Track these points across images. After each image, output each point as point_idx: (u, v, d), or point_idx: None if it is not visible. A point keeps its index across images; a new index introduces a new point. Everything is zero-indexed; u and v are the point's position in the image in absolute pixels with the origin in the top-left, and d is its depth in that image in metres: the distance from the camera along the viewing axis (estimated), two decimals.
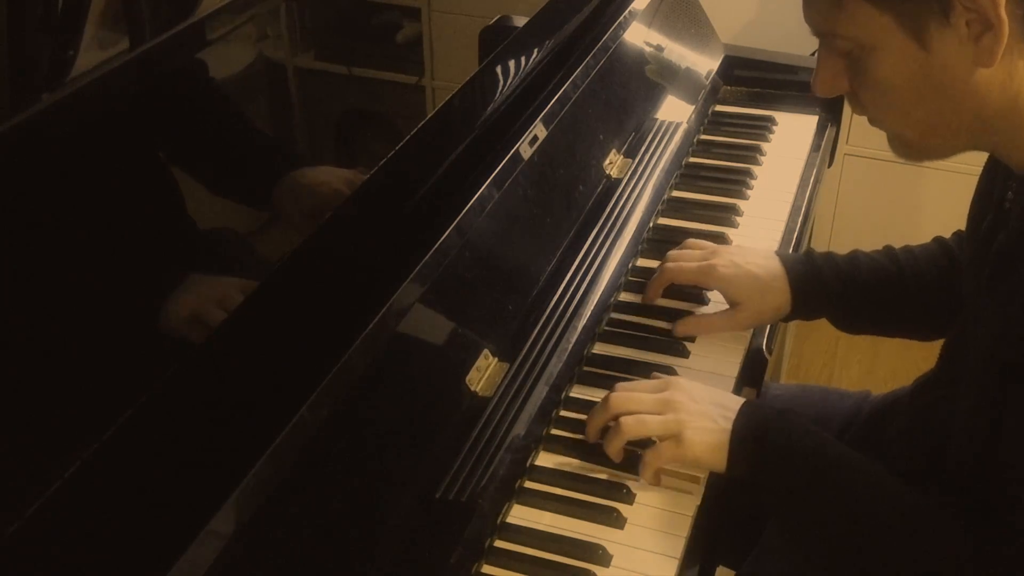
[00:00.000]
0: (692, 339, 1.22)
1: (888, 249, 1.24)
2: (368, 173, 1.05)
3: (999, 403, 0.88)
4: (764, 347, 1.24)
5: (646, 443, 1.04)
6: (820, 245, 2.59)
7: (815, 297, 1.21)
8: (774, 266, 1.21)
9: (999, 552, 0.88)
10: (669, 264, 1.24)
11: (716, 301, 1.27)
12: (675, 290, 1.29)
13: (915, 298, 1.19)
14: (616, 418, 1.03)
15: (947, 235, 1.25)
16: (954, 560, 0.90)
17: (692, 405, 1.03)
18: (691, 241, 1.29)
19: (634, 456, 1.04)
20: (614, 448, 1.03)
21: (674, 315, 1.26)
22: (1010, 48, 0.84)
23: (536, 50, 1.37)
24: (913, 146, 0.95)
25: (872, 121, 0.95)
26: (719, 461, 1.01)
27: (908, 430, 1.16)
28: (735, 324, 1.22)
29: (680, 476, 1.04)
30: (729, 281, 1.20)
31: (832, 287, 1.20)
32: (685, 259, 1.24)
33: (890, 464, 0.99)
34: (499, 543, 0.98)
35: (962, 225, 1.25)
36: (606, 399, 1.05)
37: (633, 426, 1.02)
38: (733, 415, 1.02)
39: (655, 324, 1.24)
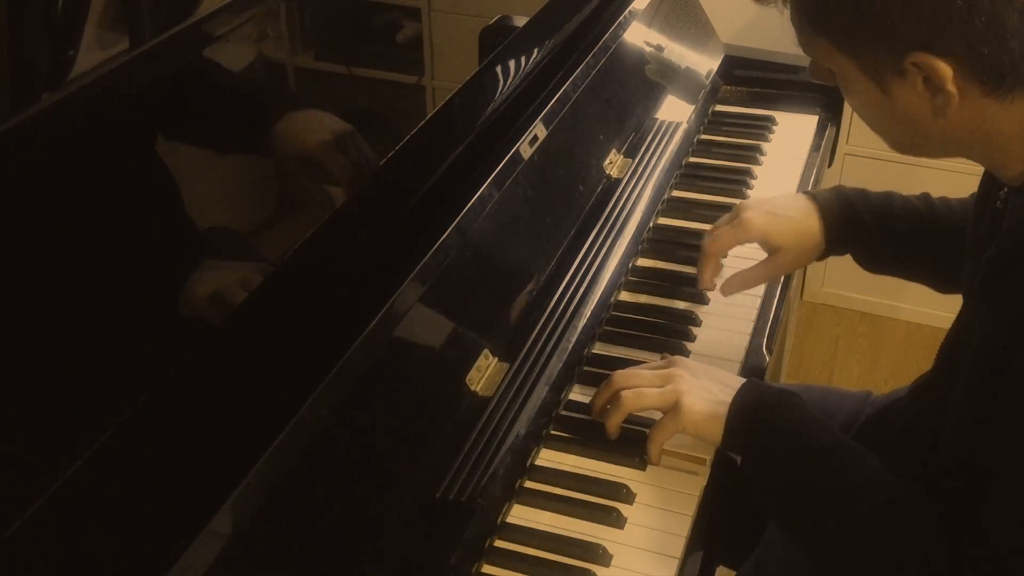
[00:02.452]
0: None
1: (925, 195, 1.25)
2: (368, 173, 1.05)
3: (987, 407, 0.89)
4: (764, 347, 1.24)
5: (649, 424, 1.05)
6: None
7: (845, 229, 1.21)
8: (804, 204, 1.22)
9: (974, 563, 0.87)
10: (707, 242, 1.23)
11: (716, 300, 1.28)
12: (675, 290, 1.29)
13: (944, 245, 1.18)
14: (618, 394, 1.05)
15: None
16: (930, 565, 0.90)
17: (691, 379, 1.05)
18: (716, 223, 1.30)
19: (635, 450, 1.05)
20: (614, 423, 1.06)
21: (674, 315, 1.26)
22: (975, 100, 0.85)
23: (536, 50, 1.37)
24: (896, 148, 0.97)
25: None
26: (715, 432, 1.02)
27: (905, 432, 1.16)
28: (777, 270, 1.24)
29: (685, 457, 1.05)
30: (767, 229, 1.21)
31: (862, 218, 1.21)
32: (717, 229, 1.24)
33: (889, 466, 0.99)
34: (499, 543, 0.98)
35: None
36: (610, 376, 1.08)
37: (632, 399, 1.04)
38: (733, 391, 1.03)
39: (655, 323, 1.25)
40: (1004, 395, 0.86)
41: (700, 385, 1.04)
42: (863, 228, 1.21)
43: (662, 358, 1.13)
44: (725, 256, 1.25)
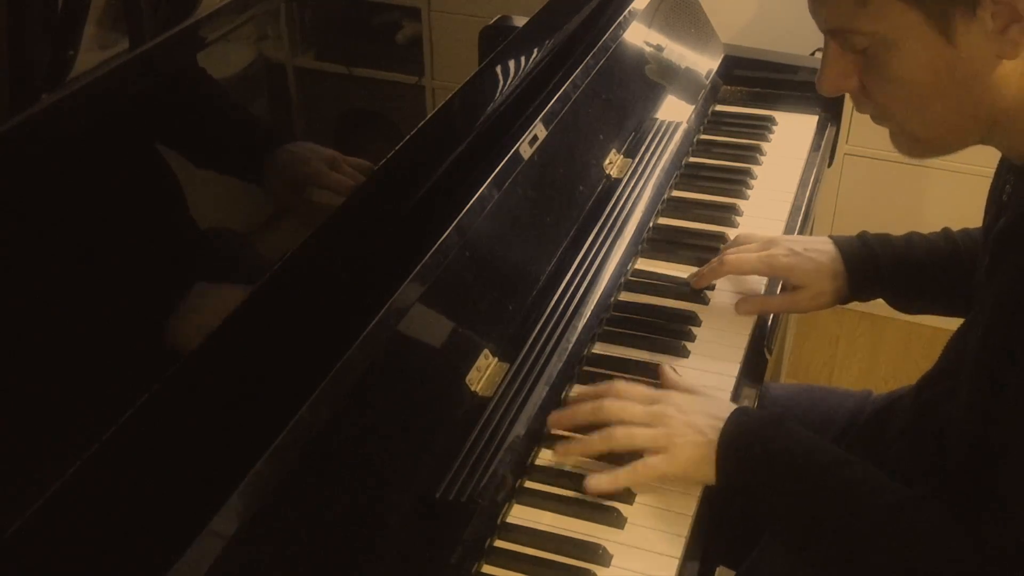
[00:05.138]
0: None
1: (946, 230, 1.25)
2: (368, 171, 1.05)
3: (994, 392, 0.88)
4: (764, 347, 1.24)
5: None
6: None
7: (869, 278, 1.23)
8: (831, 250, 1.24)
9: (998, 546, 0.87)
10: (729, 256, 1.26)
11: (716, 300, 1.28)
12: (675, 290, 1.29)
13: (971, 277, 1.16)
14: (609, 430, 1.04)
15: None
16: (954, 559, 0.90)
17: (681, 418, 1.03)
18: (743, 235, 1.32)
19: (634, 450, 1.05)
20: (594, 448, 1.04)
21: (674, 315, 1.26)
22: None
23: (536, 50, 1.37)
24: (921, 142, 0.94)
25: (878, 118, 0.94)
26: (707, 474, 1.01)
27: (911, 427, 1.16)
28: (795, 305, 1.26)
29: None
30: (791, 268, 1.23)
31: (885, 268, 1.22)
32: (744, 250, 1.27)
33: (893, 463, 0.99)
34: (499, 543, 0.98)
35: (962, 224, 1.25)
36: (599, 403, 1.06)
37: (622, 438, 1.03)
38: (722, 424, 1.02)
39: (655, 323, 1.25)
40: (1010, 373, 0.86)
41: (689, 424, 1.02)
42: (886, 276, 1.23)
43: (658, 371, 1.12)
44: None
